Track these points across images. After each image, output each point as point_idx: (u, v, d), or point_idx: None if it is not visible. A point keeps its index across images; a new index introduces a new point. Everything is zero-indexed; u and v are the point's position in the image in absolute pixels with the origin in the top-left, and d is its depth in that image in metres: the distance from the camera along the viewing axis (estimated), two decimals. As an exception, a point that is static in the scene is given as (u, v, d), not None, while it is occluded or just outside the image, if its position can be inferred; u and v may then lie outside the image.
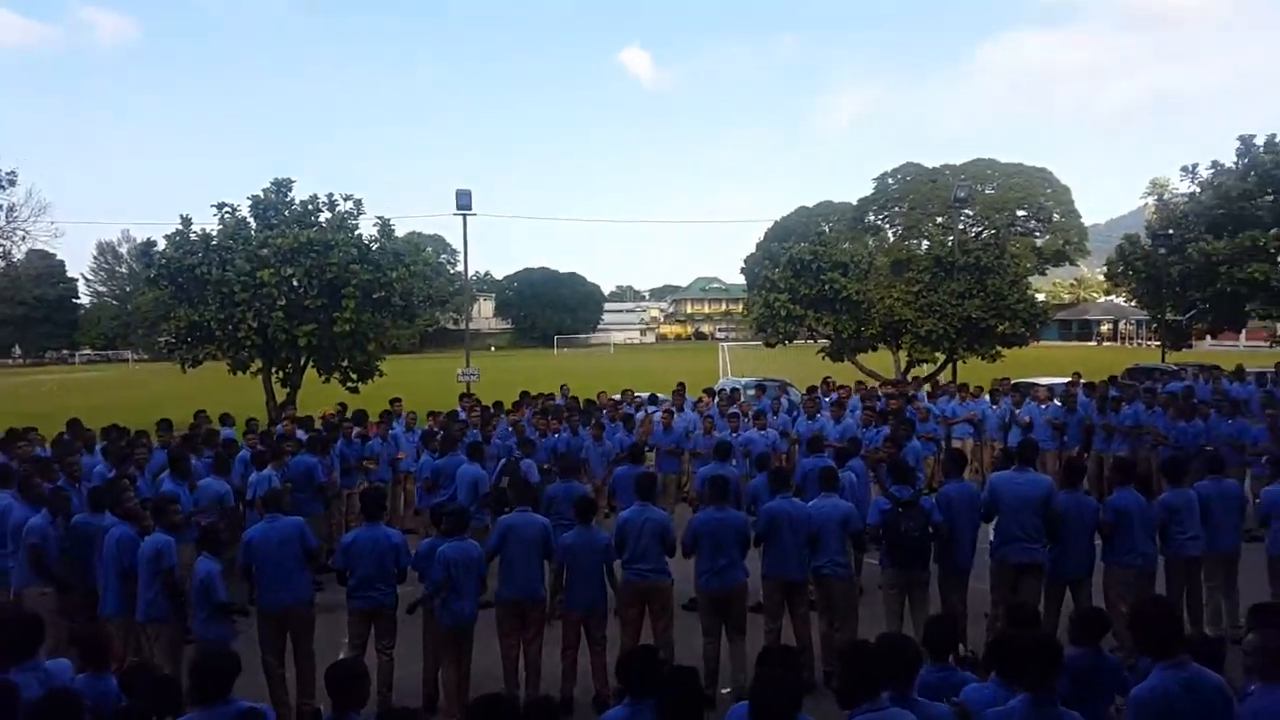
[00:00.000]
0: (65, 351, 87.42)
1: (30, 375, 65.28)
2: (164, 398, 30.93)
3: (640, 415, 15.16)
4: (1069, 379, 17.52)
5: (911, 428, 12.41)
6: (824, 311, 25.78)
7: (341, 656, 6.75)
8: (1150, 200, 58.69)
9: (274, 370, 23.07)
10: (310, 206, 23.21)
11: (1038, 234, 58.04)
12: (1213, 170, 26.33)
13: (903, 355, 25.75)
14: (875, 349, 26.90)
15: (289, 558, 7.39)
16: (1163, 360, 26.09)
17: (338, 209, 23.31)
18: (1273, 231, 23.14)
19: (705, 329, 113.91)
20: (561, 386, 18.60)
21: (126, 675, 5.32)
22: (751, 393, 18.54)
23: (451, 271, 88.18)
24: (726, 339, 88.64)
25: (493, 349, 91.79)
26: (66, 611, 7.86)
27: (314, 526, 8.66)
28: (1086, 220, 63.35)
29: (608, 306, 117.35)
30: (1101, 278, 55.34)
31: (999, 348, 24.46)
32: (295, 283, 21.82)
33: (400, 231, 24.91)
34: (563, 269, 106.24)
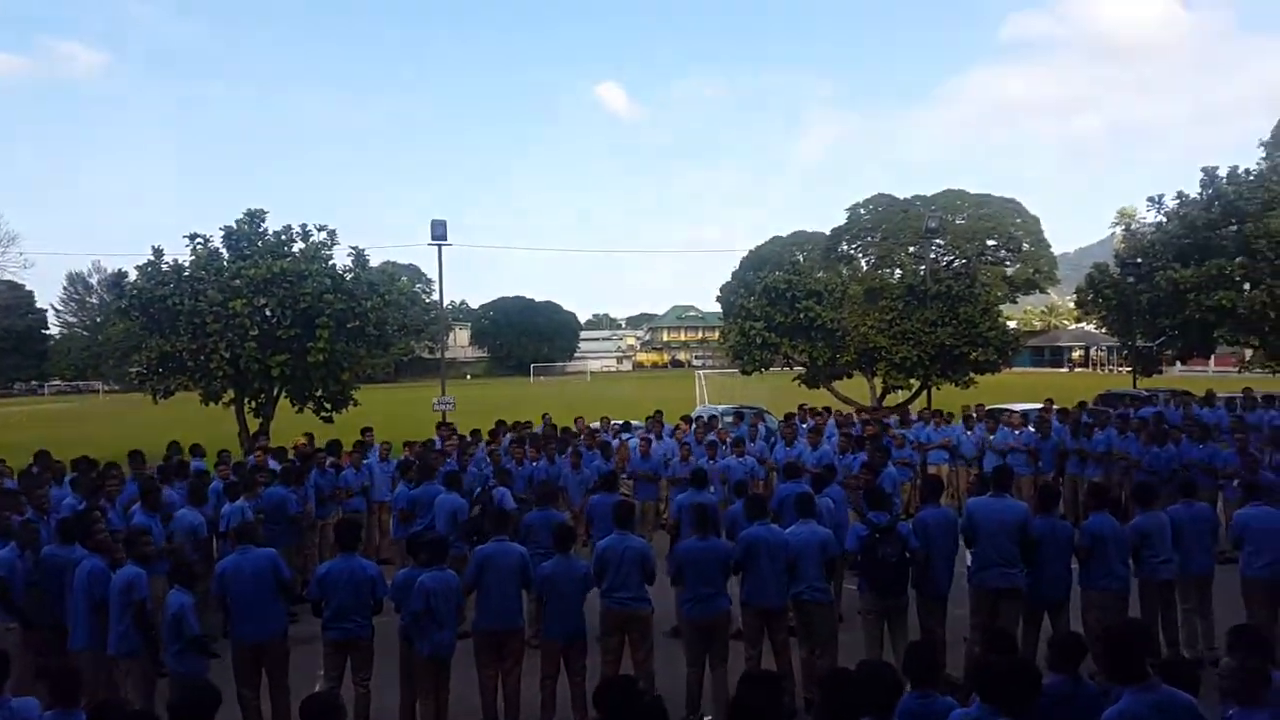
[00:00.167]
0: (34, 383, 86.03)
1: (-2, 407, 64.26)
2: (136, 428, 30.54)
3: (616, 443, 15.14)
4: (1042, 405, 17.72)
5: (887, 454, 12.48)
6: (799, 339, 26.03)
7: (317, 689, 6.64)
8: (1118, 230, 59.67)
9: (247, 400, 22.88)
10: (284, 237, 23.17)
11: (1008, 263, 58.57)
12: (1178, 201, 26.76)
13: (878, 382, 25.93)
14: (850, 376, 27.11)
15: (263, 590, 7.29)
16: (1134, 386, 26.36)
17: (311, 239, 23.30)
18: (1238, 260, 23.53)
19: (682, 357, 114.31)
20: (544, 416, 18.49)
21: (96, 712, 5.19)
22: (729, 420, 18.63)
23: (427, 300, 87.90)
24: (703, 367, 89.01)
25: (469, 377, 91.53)
26: (32, 646, 7.69)
27: (287, 558, 8.55)
28: (1056, 249, 63.98)
29: (584, 335, 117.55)
30: (1072, 305, 55.99)
31: (972, 374, 24.67)
32: (268, 313, 21.75)
33: (375, 261, 24.99)
34: (539, 298, 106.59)
